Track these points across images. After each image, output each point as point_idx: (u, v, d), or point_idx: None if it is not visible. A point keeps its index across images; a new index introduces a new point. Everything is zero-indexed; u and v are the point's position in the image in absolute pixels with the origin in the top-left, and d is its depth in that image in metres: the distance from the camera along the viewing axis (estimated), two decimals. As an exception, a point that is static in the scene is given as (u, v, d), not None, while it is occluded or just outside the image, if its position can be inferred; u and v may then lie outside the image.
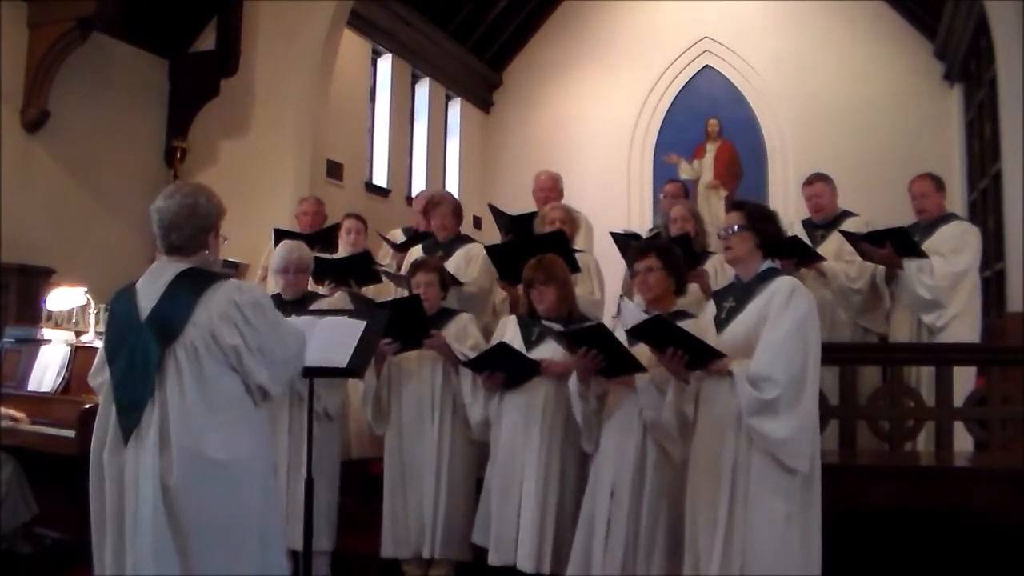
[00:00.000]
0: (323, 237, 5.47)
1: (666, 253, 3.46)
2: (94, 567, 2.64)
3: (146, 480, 2.47)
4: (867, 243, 4.49)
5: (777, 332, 2.87)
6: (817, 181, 4.96)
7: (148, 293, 2.61)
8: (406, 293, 4.99)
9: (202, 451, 2.48)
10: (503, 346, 3.72)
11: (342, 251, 5.53)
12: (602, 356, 3.23)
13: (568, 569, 3.43)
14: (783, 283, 2.97)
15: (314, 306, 4.01)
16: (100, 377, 2.66)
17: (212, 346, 2.53)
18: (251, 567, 2.53)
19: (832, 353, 3.73)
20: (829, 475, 2.98)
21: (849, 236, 4.57)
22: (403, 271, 4.88)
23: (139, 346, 2.55)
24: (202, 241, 2.67)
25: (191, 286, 2.58)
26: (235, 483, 2.52)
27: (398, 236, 5.80)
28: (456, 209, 5.04)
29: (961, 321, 4.47)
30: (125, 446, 2.53)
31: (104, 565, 2.60)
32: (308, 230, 5.54)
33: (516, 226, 5.13)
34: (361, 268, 4.97)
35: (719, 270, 4.46)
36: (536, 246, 4.25)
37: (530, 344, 3.80)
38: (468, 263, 4.84)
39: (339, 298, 4.88)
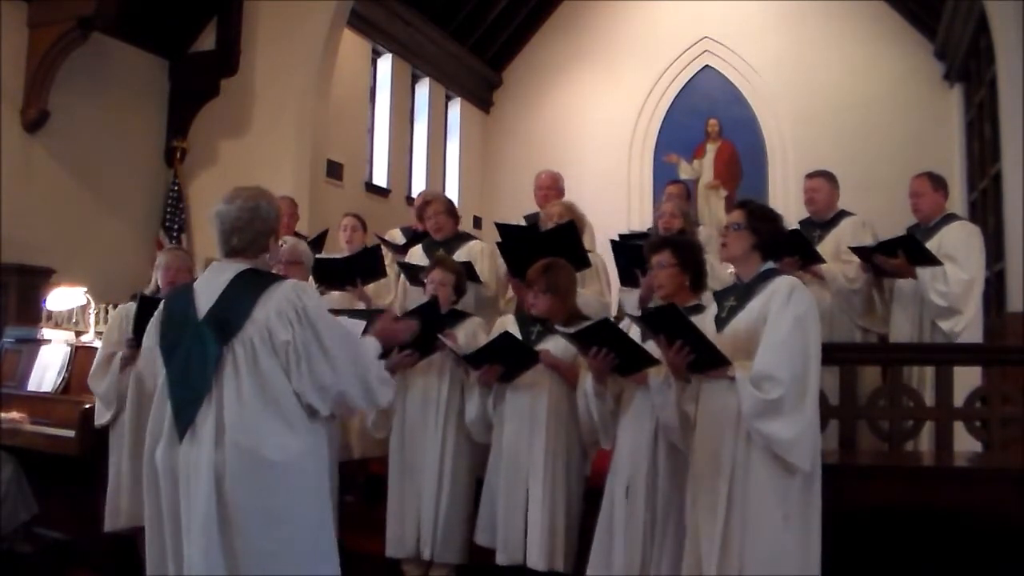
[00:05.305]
0: (315, 244, 5.46)
1: (680, 248, 3.43)
2: (146, 567, 2.62)
3: (200, 477, 2.45)
4: (880, 255, 4.46)
5: (778, 332, 2.86)
6: (818, 177, 4.93)
7: (207, 292, 2.60)
8: (408, 287, 4.98)
9: (256, 449, 2.45)
10: (507, 335, 3.71)
11: (338, 250, 5.53)
12: (613, 353, 3.23)
13: (588, 569, 3.43)
14: (783, 282, 2.96)
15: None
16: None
17: (268, 343, 2.51)
18: (301, 570, 2.50)
19: (832, 353, 3.71)
20: (829, 475, 2.98)
21: (860, 251, 4.52)
22: None
23: (196, 344, 2.54)
24: (263, 245, 2.66)
25: (252, 285, 2.57)
26: (286, 484, 2.49)
27: (396, 236, 5.79)
28: (449, 208, 4.96)
29: (971, 326, 4.46)
30: (180, 443, 2.52)
31: (158, 565, 2.57)
32: (284, 231, 5.50)
33: (523, 232, 5.07)
34: (368, 265, 4.94)
35: (710, 269, 4.43)
36: (548, 239, 4.22)
37: (529, 342, 3.79)
38: (474, 262, 4.74)
39: (342, 298, 4.88)
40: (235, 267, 2.62)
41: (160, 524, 2.58)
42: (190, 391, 2.52)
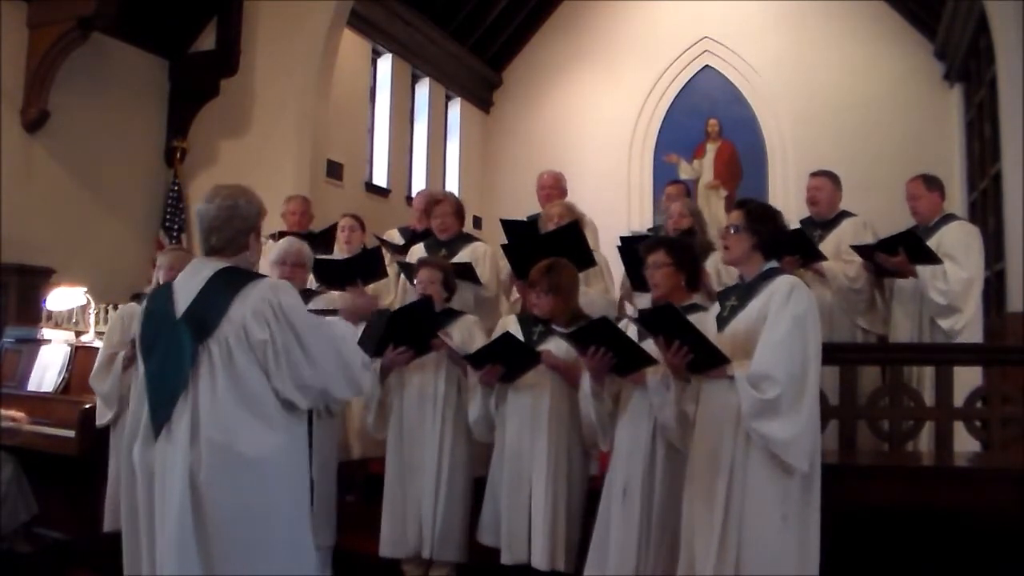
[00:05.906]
0: (323, 238, 5.46)
1: (676, 248, 3.44)
2: (124, 567, 2.62)
3: (174, 474, 2.46)
4: (880, 252, 4.44)
5: (776, 331, 2.86)
6: (821, 176, 4.93)
7: (185, 290, 2.61)
8: (408, 287, 4.98)
9: (231, 445, 2.45)
10: (508, 336, 3.71)
11: (338, 251, 5.52)
12: (611, 353, 3.23)
13: (586, 568, 3.43)
14: (783, 282, 2.96)
15: (312, 305, 4.00)
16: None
17: (243, 342, 2.52)
18: (277, 567, 2.50)
19: (832, 353, 3.71)
20: (829, 475, 2.98)
21: (861, 250, 4.51)
22: None
23: (174, 342, 2.55)
24: (243, 243, 2.66)
25: (228, 283, 2.58)
26: (262, 480, 2.49)
27: (395, 236, 5.79)
28: (458, 209, 4.98)
29: (971, 324, 4.46)
30: (156, 441, 2.53)
31: (136, 564, 2.58)
32: (297, 229, 5.52)
33: (524, 230, 5.07)
34: (368, 265, 4.95)
35: (721, 269, 4.44)
36: (552, 240, 4.21)
37: (531, 343, 3.79)
38: (476, 263, 4.76)
39: (342, 298, 4.87)
40: (213, 265, 2.62)
41: (136, 524, 2.59)
42: (166, 389, 2.53)
